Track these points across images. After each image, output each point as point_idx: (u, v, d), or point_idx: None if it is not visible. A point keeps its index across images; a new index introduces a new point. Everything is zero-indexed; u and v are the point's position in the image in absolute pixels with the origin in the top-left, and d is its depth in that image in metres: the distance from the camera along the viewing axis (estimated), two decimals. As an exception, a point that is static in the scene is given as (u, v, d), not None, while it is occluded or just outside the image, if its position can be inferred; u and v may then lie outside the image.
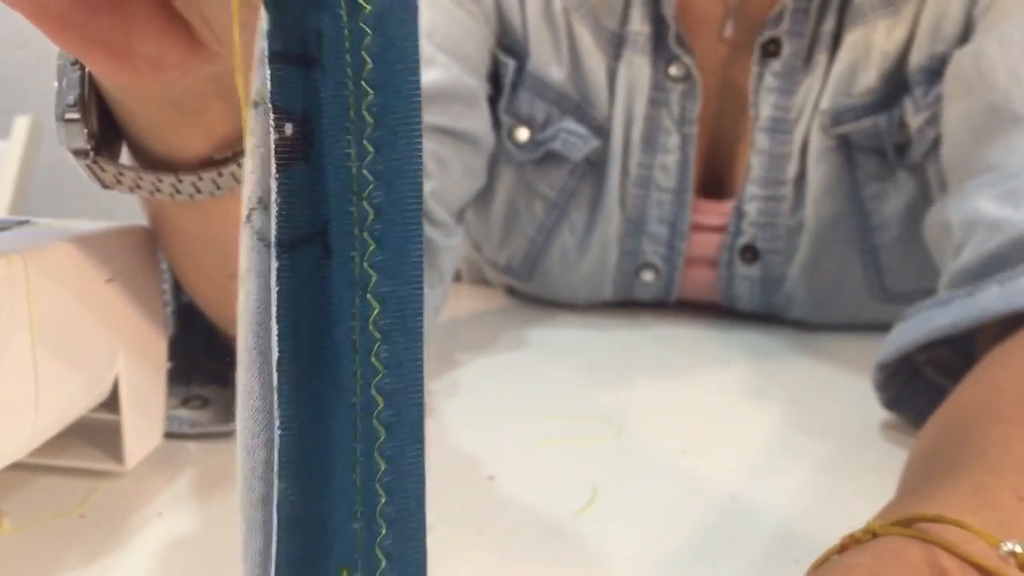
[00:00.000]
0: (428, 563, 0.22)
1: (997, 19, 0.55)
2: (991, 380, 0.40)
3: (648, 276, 0.72)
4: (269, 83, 0.18)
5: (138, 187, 0.36)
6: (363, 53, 0.18)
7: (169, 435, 0.43)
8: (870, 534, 0.28)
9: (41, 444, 0.34)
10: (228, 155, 0.35)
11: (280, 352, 0.18)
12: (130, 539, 0.35)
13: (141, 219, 0.42)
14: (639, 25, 0.65)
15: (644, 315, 0.74)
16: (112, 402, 0.38)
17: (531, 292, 0.77)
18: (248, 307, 0.19)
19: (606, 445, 0.47)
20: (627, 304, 0.75)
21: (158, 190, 0.36)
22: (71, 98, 0.34)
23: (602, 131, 0.68)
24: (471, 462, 0.44)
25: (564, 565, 0.35)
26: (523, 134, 0.68)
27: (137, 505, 0.38)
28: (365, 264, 0.18)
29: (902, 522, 0.28)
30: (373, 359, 0.18)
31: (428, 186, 0.57)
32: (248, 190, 0.19)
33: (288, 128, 0.18)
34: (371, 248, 0.18)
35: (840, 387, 0.57)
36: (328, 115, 0.18)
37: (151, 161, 0.37)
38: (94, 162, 0.35)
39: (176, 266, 0.43)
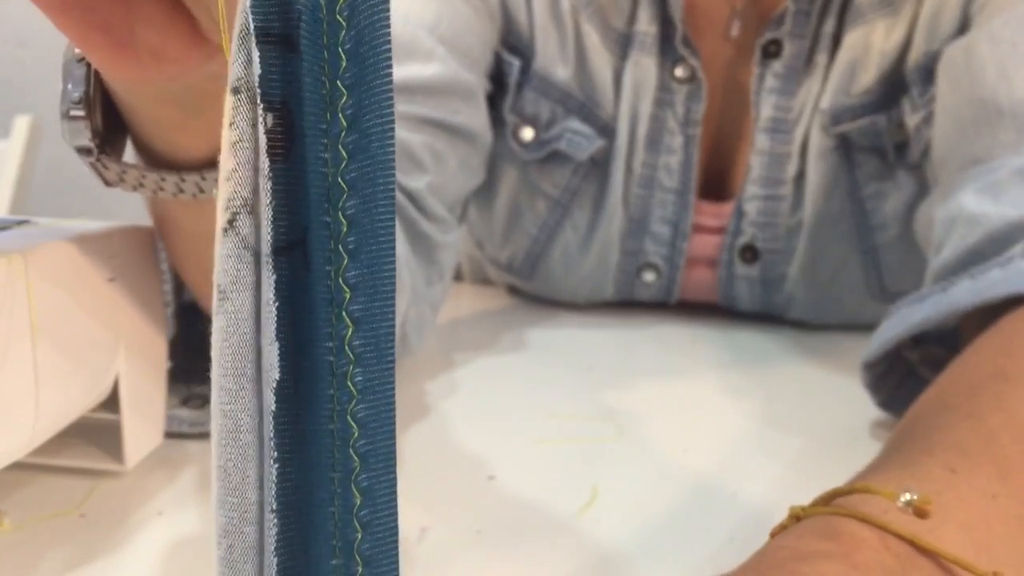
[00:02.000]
0: (428, 563, 0.22)
1: (991, 15, 0.55)
2: (948, 375, 0.40)
3: (649, 276, 0.72)
4: (257, 64, 0.17)
5: (141, 186, 0.36)
6: (339, 49, 0.17)
7: (169, 434, 0.43)
8: (794, 519, 0.29)
9: (41, 444, 0.34)
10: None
11: (281, 374, 0.17)
12: (130, 539, 0.35)
13: (142, 219, 0.42)
14: (646, 25, 0.65)
15: (644, 315, 0.74)
16: (112, 402, 0.38)
17: (533, 291, 0.77)
18: (235, 327, 0.17)
19: (606, 445, 0.47)
20: (627, 304, 0.75)
21: (161, 189, 0.36)
22: (76, 95, 0.34)
23: (607, 131, 0.68)
24: (471, 462, 0.44)
25: (564, 565, 0.35)
26: (528, 133, 0.68)
27: (137, 505, 0.38)
28: (340, 280, 0.17)
29: (821, 501, 0.29)
30: (348, 383, 0.17)
31: (423, 180, 0.57)
32: (228, 191, 0.17)
33: (269, 119, 0.17)
34: (344, 263, 0.17)
35: (840, 387, 0.57)
36: (309, 107, 0.17)
37: (155, 160, 0.37)
38: (98, 160, 0.35)
39: (179, 265, 0.43)
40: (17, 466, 0.34)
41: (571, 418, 0.51)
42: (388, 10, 0.17)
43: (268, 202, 0.17)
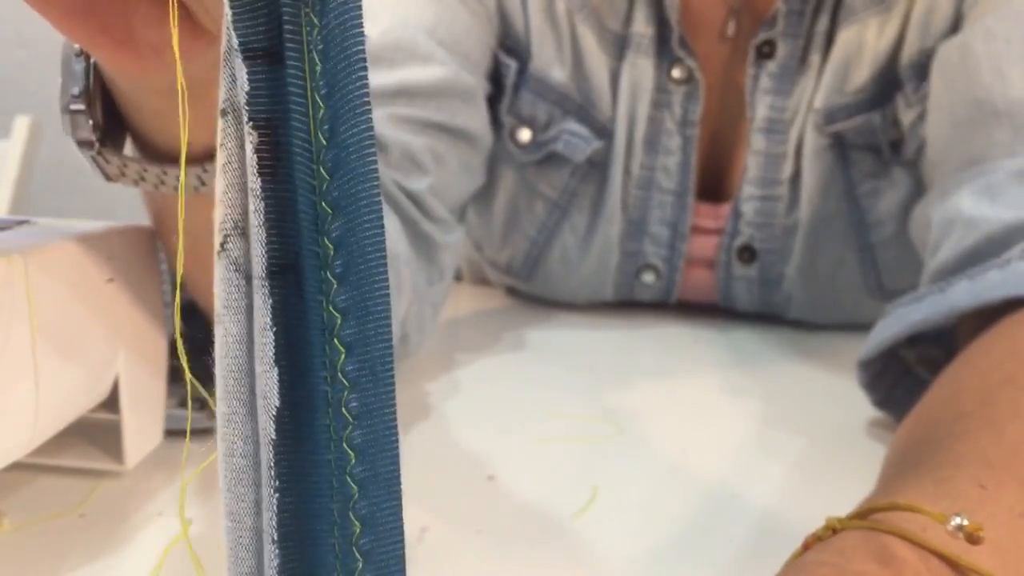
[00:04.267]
0: (428, 563, 0.22)
1: (985, 11, 0.55)
2: (956, 378, 0.40)
3: (649, 277, 0.72)
4: (246, 83, 0.16)
5: (142, 179, 0.36)
6: (313, 51, 0.16)
7: (169, 433, 0.43)
8: (830, 531, 0.28)
9: (41, 444, 0.34)
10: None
11: (280, 400, 0.17)
12: (130, 539, 0.35)
13: (141, 219, 0.42)
14: (643, 27, 0.65)
15: (644, 315, 0.74)
16: (112, 402, 0.38)
17: (532, 292, 0.77)
18: (226, 351, 0.17)
19: (606, 445, 0.47)
20: (627, 304, 0.75)
21: (162, 183, 0.36)
22: (76, 89, 0.34)
23: (604, 132, 0.68)
24: (471, 462, 0.44)
25: (564, 565, 0.35)
26: (525, 135, 0.68)
27: (137, 505, 0.38)
28: (330, 307, 0.17)
29: (859, 515, 0.28)
30: (343, 410, 0.17)
31: (425, 182, 0.57)
32: (221, 213, 0.17)
33: (255, 137, 0.16)
34: (334, 288, 0.17)
35: (839, 387, 0.57)
36: (295, 123, 0.16)
37: (156, 153, 0.37)
38: (99, 154, 0.35)
39: (174, 259, 0.43)
40: (17, 466, 0.34)
41: (571, 418, 0.51)
42: (360, 7, 0.17)
43: (259, 223, 0.16)
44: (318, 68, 0.16)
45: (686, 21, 0.65)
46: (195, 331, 0.47)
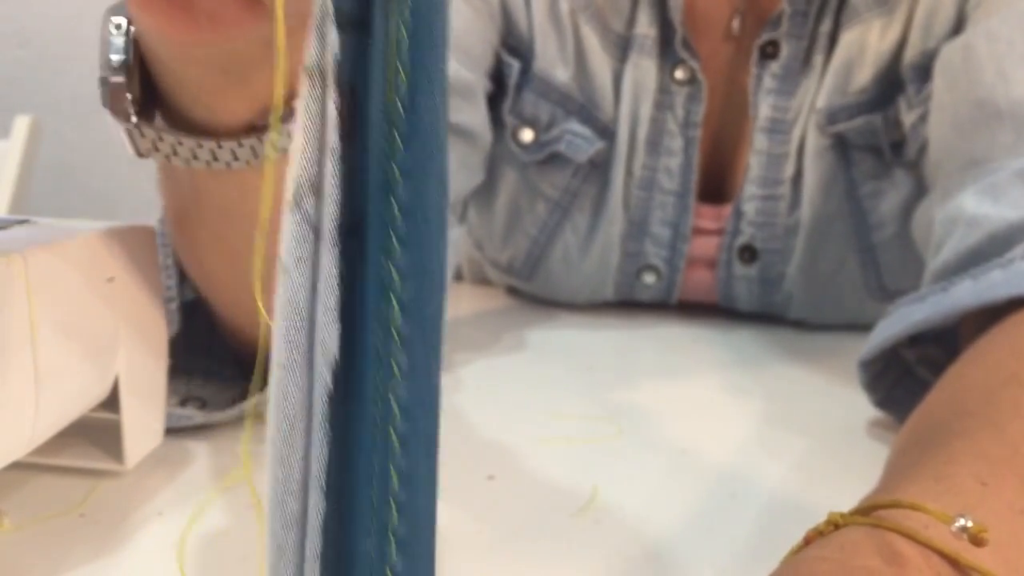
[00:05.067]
0: (428, 563, 0.21)
1: (987, 12, 0.55)
2: (959, 377, 0.40)
3: (650, 278, 0.72)
4: (336, 48, 0.17)
5: (175, 153, 0.36)
6: (401, 25, 0.17)
7: (168, 432, 0.43)
8: (832, 526, 0.28)
9: (41, 444, 0.34)
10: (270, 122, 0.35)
11: (338, 355, 0.17)
12: (130, 539, 0.35)
13: (142, 219, 0.42)
14: (646, 28, 0.65)
15: (644, 315, 0.74)
16: (112, 402, 0.38)
17: (532, 292, 0.77)
18: (292, 301, 0.18)
19: (606, 445, 0.47)
20: (627, 304, 0.75)
21: (195, 156, 0.36)
22: (116, 61, 0.34)
23: (606, 133, 0.68)
24: (471, 462, 0.44)
25: (564, 565, 0.35)
26: (527, 135, 0.68)
27: (137, 505, 0.38)
28: (391, 267, 0.17)
29: (862, 511, 0.28)
30: (394, 366, 0.17)
31: None
32: (296, 171, 0.18)
33: (338, 100, 0.17)
34: (397, 249, 0.17)
35: (840, 387, 0.57)
36: (374, 92, 0.17)
37: (191, 128, 0.37)
38: (136, 126, 0.35)
39: (199, 251, 0.43)
40: (17, 466, 0.34)
41: (571, 418, 0.51)
42: None
43: (335, 183, 0.17)
44: (405, 41, 0.17)
45: (689, 22, 0.65)
46: (197, 330, 0.48)
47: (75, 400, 0.36)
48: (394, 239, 0.17)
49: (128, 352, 0.38)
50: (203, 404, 0.46)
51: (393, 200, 0.17)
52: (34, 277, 0.32)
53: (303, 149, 0.18)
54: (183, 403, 0.45)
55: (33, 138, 1.14)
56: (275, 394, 0.18)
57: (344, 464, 0.18)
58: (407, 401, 0.18)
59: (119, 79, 0.34)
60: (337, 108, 0.17)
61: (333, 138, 0.17)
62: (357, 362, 0.18)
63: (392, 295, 0.17)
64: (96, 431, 0.40)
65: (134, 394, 0.39)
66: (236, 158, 0.36)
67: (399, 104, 0.17)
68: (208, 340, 0.48)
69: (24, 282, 0.31)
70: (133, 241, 0.40)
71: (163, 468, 0.41)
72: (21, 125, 1.14)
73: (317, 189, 0.18)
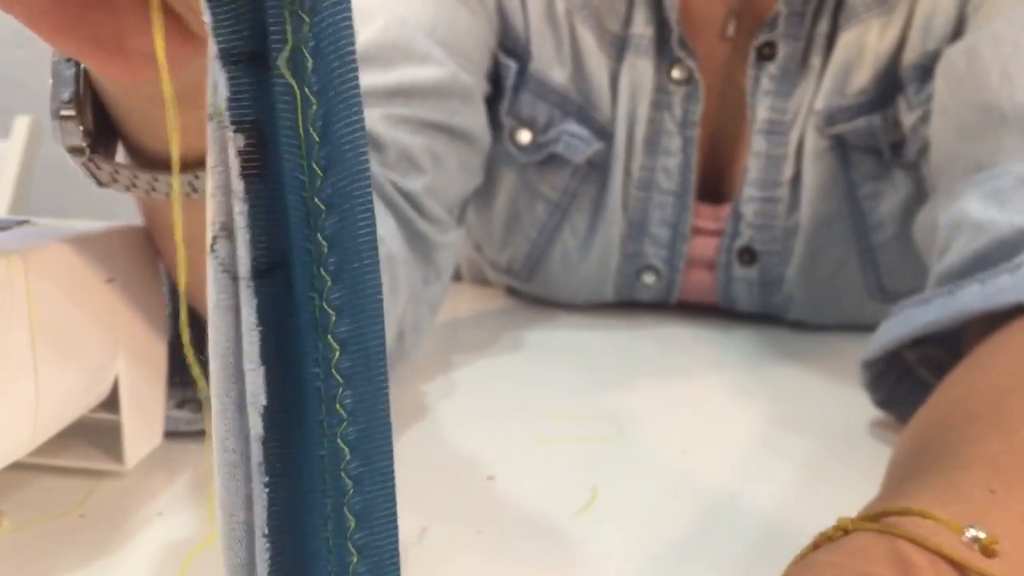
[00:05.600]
0: (428, 563, 0.22)
1: (990, 15, 0.55)
2: (967, 380, 0.40)
3: (649, 278, 0.72)
4: (226, 88, 0.16)
5: (134, 186, 0.36)
6: (303, 48, 0.16)
7: (168, 434, 0.43)
8: (841, 531, 0.28)
9: (41, 444, 0.34)
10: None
11: (267, 399, 0.17)
12: (130, 539, 0.35)
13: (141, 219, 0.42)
14: (642, 28, 0.65)
15: (644, 316, 0.74)
16: (112, 402, 0.38)
17: (532, 293, 0.77)
18: (217, 346, 0.17)
19: (606, 445, 0.47)
20: (627, 305, 0.75)
21: (153, 189, 0.36)
22: (66, 95, 0.34)
23: (604, 133, 0.68)
24: (471, 462, 0.44)
25: (564, 565, 0.35)
26: (525, 136, 0.68)
27: (137, 505, 0.38)
28: (324, 303, 0.17)
29: (871, 517, 0.28)
30: (337, 406, 0.17)
31: (421, 182, 0.57)
32: (210, 215, 0.17)
33: (240, 140, 0.16)
34: (328, 285, 0.17)
35: (839, 388, 0.57)
36: (283, 123, 0.16)
37: (147, 160, 0.36)
38: (90, 160, 0.35)
39: (173, 268, 0.43)
40: (17, 466, 0.34)
41: (571, 418, 0.51)
42: (350, 5, 0.17)
43: (244, 224, 0.17)
44: (309, 65, 0.16)
45: (686, 21, 0.65)
46: (195, 332, 0.48)
47: (75, 400, 0.36)
48: (324, 274, 0.17)
49: (128, 352, 0.38)
50: (201, 406, 0.46)
51: (319, 234, 0.17)
52: (34, 277, 0.32)
53: (213, 194, 0.17)
54: (180, 405, 0.45)
55: (33, 138, 1.14)
56: (215, 441, 0.18)
57: (296, 507, 0.17)
58: (356, 441, 0.17)
59: (69, 112, 0.34)
60: (238, 148, 0.16)
61: (235, 179, 0.17)
62: (299, 404, 0.17)
63: (329, 335, 0.17)
64: (96, 431, 0.40)
65: (134, 394, 0.39)
66: (194, 190, 0.35)
67: (313, 133, 0.16)
68: (203, 343, 0.47)
69: (24, 282, 0.32)
70: (133, 241, 0.40)
71: (163, 469, 0.41)
72: (21, 125, 1.14)
73: (230, 232, 0.17)
